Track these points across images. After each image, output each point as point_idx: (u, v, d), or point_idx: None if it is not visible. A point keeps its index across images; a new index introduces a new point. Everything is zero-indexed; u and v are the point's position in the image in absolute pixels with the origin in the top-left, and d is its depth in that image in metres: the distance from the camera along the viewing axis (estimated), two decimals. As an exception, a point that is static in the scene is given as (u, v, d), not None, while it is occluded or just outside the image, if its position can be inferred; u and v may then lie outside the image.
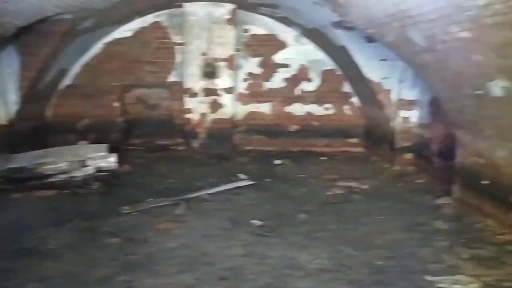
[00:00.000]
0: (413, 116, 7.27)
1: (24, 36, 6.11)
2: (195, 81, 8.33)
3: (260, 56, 8.65)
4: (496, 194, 4.68)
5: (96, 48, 8.28)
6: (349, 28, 6.41)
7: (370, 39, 6.54)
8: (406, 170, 7.13)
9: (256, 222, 4.81)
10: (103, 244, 4.19)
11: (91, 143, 7.00)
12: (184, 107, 8.45)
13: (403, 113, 7.31)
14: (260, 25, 8.50)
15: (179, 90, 8.49)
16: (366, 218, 5.01)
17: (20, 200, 5.44)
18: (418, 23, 4.41)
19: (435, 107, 6.41)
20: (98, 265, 3.75)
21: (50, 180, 5.94)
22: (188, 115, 8.45)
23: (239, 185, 6.17)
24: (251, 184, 6.26)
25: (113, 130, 8.45)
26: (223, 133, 8.41)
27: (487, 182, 4.85)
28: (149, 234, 4.45)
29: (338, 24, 6.43)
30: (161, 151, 8.41)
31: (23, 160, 6.16)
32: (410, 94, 7.20)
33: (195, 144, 8.43)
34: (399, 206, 5.49)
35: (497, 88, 4.07)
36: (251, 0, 7.23)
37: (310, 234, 4.51)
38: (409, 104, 7.25)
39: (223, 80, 8.33)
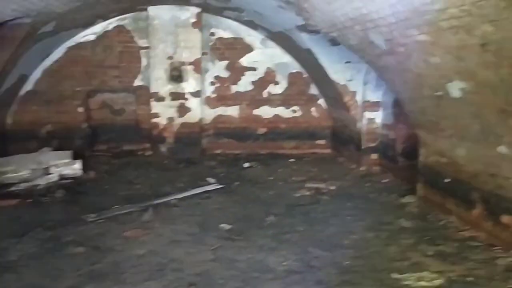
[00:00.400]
0: (378, 117, 7.42)
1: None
2: (161, 85, 8.24)
3: (227, 60, 8.65)
4: (457, 192, 4.83)
5: (58, 52, 8.08)
6: (314, 32, 6.48)
7: (334, 42, 6.64)
8: (372, 170, 7.27)
9: (225, 226, 4.80)
10: (68, 253, 4.08)
11: (54, 150, 6.80)
12: (151, 112, 8.34)
13: (368, 115, 7.46)
14: (226, 28, 8.51)
15: (145, 95, 8.39)
16: (333, 219, 5.08)
17: (-21, 211, 5.24)
18: (379, 26, 4.51)
19: (398, 108, 6.57)
20: (62, 276, 3.65)
21: (11, 189, 5.75)
22: (155, 120, 8.34)
23: (208, 189, 6.14)
24: (220, 188, 6.25)
25: (77, 136, 8.26)
26: (191, 137, 8.35)
27: (448, 180, 5.00)
28: (115, 242, 4.36)
29: (303, 28, 6.50)
30: (128, 156, 8.27)
31: (-19, 169, 5.95)
32: (374, 95, 7.35)
33: (163, 148, 8.34)
34: (365, 206, 5.59)
35: (455, 89, 4.20)
36: (216, 4, 7.21)
37: (278, 236, 4.53)
38: (373, 106, 7.40)
39: (190, 84, 8.28)
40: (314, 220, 5.03)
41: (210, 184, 6.37)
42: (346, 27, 5.15)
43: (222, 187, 6.26)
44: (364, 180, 6.81)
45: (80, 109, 8.40)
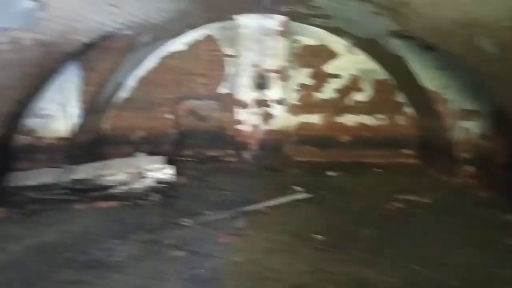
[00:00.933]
0: (474, 126, 6.96)
1: (86, 52, 6.31)
2: (246, 93, 8.36)
3: (311, 67, 8.59)
4: None
5: (151, 61, 8.47)
6: (408, 37, 6.24)
7: (429, 48, 6.35)
8: (467, 183, 6.82)
9: (318, 237, 4.72)
10: (168, 257, 4.22)
11: (148, 155, 7.12)
12: (235, 119, 8.49)
13: (463, 124, 7.03)
14: (311, 35, 8.44)
15: (230, 102, 8.54)
16: (433, 234, 4.80)
17: (84, 211, 5.59)
18: (490, 31, 4.22)
19: (500, 118, 6.11)
20: (166, 279, 3.77)
21: (110, 191, 6.07)
22: (239, 126, 8.47)
23: (295, 198, 6.10)
24: (307, 197, 6.17)
25: (166, 142, 8.60)
26: (274, 144, 8.38)
27: None
28: (212, 247, 4.44)
29: (396, 34, 6.27)
30: (212, 162, 8.47)
31: (84, 171, 6.35)
32: (471, 103, 6.91)
33: (246, 155, 8.43)
34: (465, 221, 5.24)
35: None
36: (304, 11, 7.17)
37: (376, 250, 4.37)
38: (470, 114, 6.96)
39: (274, 91, 8.32)
40: (412, 235, 4.79)
41: (297, 192, 6.32)
42: (448, 32, 4.88)
43: (310, 196, 6.18)
44: (460, 194, 6.40)
45: (169, 116, 8.75)
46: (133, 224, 5.05)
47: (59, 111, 7.02)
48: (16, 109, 5.42)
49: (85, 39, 5.40)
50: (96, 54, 6.60)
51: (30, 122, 6.92)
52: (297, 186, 6.66)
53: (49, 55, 4.96)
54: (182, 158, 8.48)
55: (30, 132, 7.00)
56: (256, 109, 8.38)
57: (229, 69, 8.58)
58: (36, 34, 4.39)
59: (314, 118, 8.68)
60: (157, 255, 4.25)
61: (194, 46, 8.56)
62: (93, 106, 7.41)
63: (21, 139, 6.85)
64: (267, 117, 8.39)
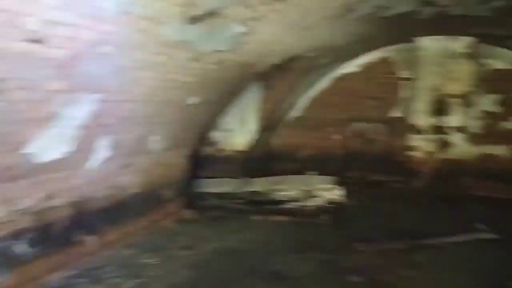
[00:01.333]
0: None
1: (272, 72, 6.71)
2: (421, 118, 7.96)
3: (500, 93, 7.76)
4: None
5: (324, 82, 8.63)
6: None
7: None
8: None
9: (513, 286, 4.15)
10: (346, 281, 4.15)
11: (320, 174, 7.22)
12: (406, 144, 8.11)
13: None
14: (502, 58, 7.64)
15: (402, 126, 8.20)
16: None
17: (259, 222, 5.89)
18: None
19: None
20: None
21: (283, 206, 6.30)
22: (410, 153, 8.07)
23: (479, 237, 5.50)
24: (493, 238, 5.51)
25: (332, 162, 8.61)
26: (450, 174, 7.75)
27: None
28: (390, 277, 4.24)
29: None
30: (377, 187, 8.18)
31: (259, 184, 6.72)
32: None
33: (417, 183, 7.96)
34: None
35: None
36: (499, 32, 6.52)
37: None
38: None
39: (454, 118, 7.75)
40: None
41: (480, 231, 5.69)
42: None
43: (497, 237, 5.51)
44: None
45: (336, 137, 8.77)
46: (306, 242, 5.13)
47: (239, 126, 7.60)
48: (209, 123, 6.01)
49: (275, 60, 5.76)
50: (278, 74, 6.97)
51: (214, 134, 7.63)
52: (479, 223, 6.01)
53: (244, 75, 5.41)
54: (347, 180, 8.38)
55: (213, 144, 7.71)
56: (432, 136, 7.89)
57: (403, 92, 8.26)
58: (238, 56, 4.82)
59: (500, 150, 7.78)
60: (333, 276, 4.23)
61: (368, 68, 8.47)
62: (268, 123, 7.84)
63: (206, 150, 7.59)
64: (444, 145, 7.82)
